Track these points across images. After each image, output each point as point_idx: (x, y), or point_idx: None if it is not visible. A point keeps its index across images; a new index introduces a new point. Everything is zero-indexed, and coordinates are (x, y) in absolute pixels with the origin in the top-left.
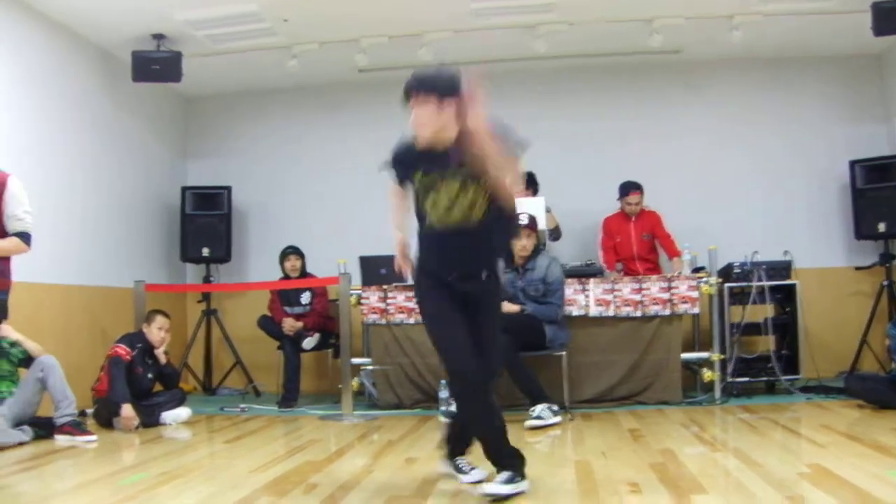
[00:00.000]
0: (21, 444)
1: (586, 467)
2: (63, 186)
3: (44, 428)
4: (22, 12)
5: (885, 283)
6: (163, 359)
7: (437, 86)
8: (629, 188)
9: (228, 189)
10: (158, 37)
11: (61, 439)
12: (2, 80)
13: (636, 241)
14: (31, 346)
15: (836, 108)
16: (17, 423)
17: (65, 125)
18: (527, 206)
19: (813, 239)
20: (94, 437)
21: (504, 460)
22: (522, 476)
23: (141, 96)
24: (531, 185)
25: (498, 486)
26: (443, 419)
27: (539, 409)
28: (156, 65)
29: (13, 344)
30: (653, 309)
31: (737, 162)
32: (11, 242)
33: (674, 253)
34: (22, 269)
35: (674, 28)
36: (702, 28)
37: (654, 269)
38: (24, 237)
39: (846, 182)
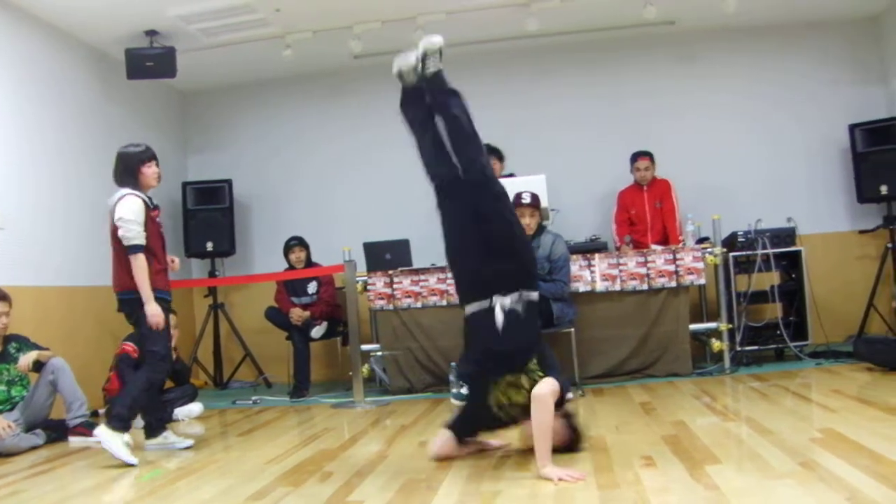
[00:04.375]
0: (35, 447)
1: (600, 442)
2: (62, 189)
3: (56, 430)
4: (12, 14)
5: (890, 245)
6: (172, 355)
7: None
8: (637, 154)
9: (229, 182)
10: (151, 33)
11: (74, 441)
12: None
13: (650, 210)
14: (37, 354)
15: (832, 73)
16: (30, 427)
17: (62, 127)
18: (529, 185)
19: (816, 204)
20: None
21: None
22: None
23: (137, 94)
24: (497, 157)
25: None
26: (454, 402)
27: None
28: (150, 61)
29: (19, 349)
30: (659, 281)
31: (736, 130)
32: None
33: (672, 236)
34: (28, 274)
35: None
36: None
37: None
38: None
39: (846, 146)
